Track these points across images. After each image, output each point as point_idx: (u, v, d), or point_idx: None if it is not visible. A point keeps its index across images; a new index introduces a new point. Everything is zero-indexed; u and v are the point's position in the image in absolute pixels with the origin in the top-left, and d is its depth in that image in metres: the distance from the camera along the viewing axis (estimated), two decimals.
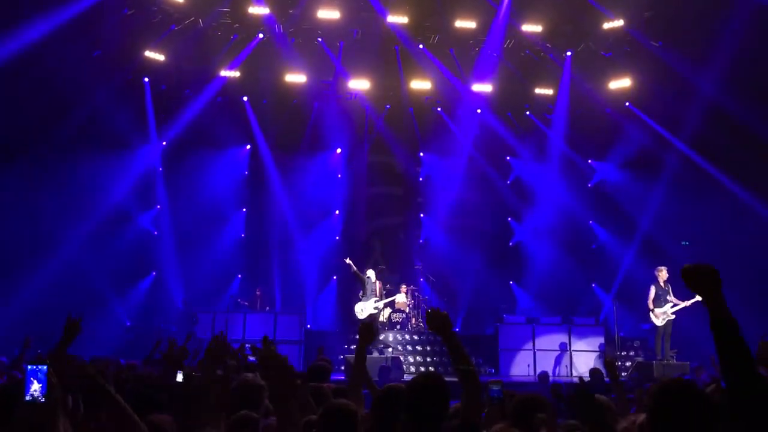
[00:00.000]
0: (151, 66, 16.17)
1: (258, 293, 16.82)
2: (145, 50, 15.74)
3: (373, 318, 13.37)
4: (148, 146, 17.34)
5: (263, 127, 18.50)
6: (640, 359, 14.35)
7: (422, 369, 14.33)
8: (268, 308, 16.46)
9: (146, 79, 16.77)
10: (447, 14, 15.94)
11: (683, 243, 16.94)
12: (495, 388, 3.90)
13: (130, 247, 16.63)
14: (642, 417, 2.99)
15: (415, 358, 14.61)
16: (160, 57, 15.95)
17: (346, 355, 14.08)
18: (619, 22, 15.43)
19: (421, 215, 19.78)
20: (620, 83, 16.88)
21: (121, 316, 16.37)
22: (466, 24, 15.97)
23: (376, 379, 11.20)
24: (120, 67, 15.66)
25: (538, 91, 17.92)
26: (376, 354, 13.08)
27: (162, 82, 17.00)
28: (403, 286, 16.16)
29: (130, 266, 16.74)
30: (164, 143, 17.66)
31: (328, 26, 16.09)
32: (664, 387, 2.39)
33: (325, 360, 6.82)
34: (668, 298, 13.12)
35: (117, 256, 16.04)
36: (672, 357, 13.19)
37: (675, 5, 14.51)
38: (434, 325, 3.41)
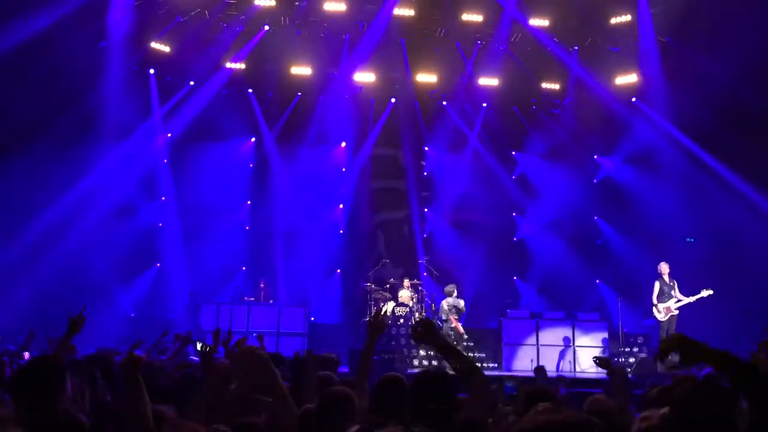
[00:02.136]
0: (157, 57, 16.20)
1: (262, 285, 16.82)
2: (151, 41, 15.77)
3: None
4: (153, 138, 17.35)
5: (268, 119, 18.51)
6: (643, 355, 14.33)
7: (425, 362, 14.34)
8: (272, 301, 16.48)
9: (152, 71, 16.79)
10: (453, 8, 15.92)
11: (688, 239, 16.90)
12: (509, 384, 3.85)
13: (134, 239, 16.67)
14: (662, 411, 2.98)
15: (418, 352, 14.61)
16: (166, 48, 15.98)
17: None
18: (626, 17, 15.37)
19: (426, 209, 19.75)
20: (627, 78, 16.83)
21: (126, 307, 16.43)
22: (472, 17, 15.94)
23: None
24: (126, 58, 15.66)
25: (544, 85, 17.89)
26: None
27: (167, 73, 17.02)
28: (407, 280, 16.16)
29: (135, 257, 16.77)
30: (169, 135, 17.68)
31: (334, 19, 16.08)
32: (694, 387, 2.38)
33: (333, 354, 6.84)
34: (672, 293, 13.11)
35: (122, 247, 16.09)
36: (676, 353, 13.15)
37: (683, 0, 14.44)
38: (418, 337, 3.37)
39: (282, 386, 3.46)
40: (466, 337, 14.14)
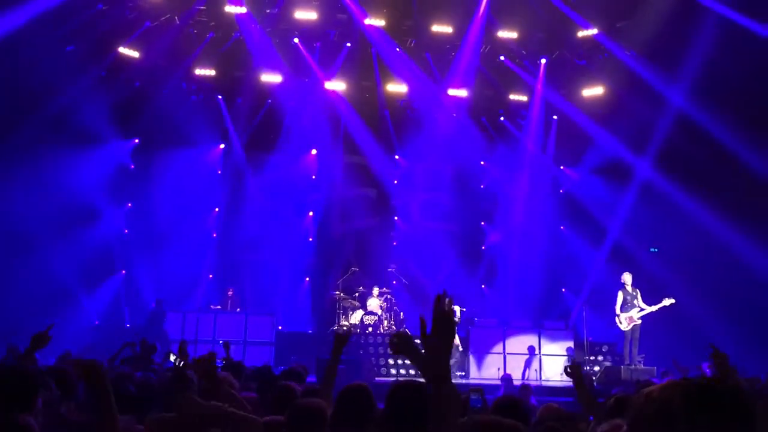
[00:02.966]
0: (126, 62, 16.01)
1: (229, 294, 16.69)
2: (119, 46, 15.59)
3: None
4: (120, 143, 17.12)
5: (237, 126, 18.42)
6: (608, 363, 14.53)
7: (393, 371, 14.37)
8: (239, 309, 16.34)
9: (120, 76, 16.59)
10: (424, 18, 16.04)
11: (652, 250, 17.23)
12: (474, 397, 3.81)
13: (100, 245, 16.40)
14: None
15: (386, 361, 14.63)
16: (134, 54, 15.82)
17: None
18: (592, 31, 15.65)
19: (395, 218, 19.82)
20: (593, 91, 17.12)
21: (90, 315, 16.14)
22: (442, 29, 16.08)
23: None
24: (94, 62, 15.46)
25: (512, 97, 18.12)
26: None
27: (136, 78, 16.81)
28: (376, 289, 16.19)
29: (100, 264, 16.51)
30: (137, 141, 17.48)
31: (305, 27, 16.10)
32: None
33: (301, 366, 6.84)
34: (635, 303, 13.32)
35: (86, 254, 15.78)
36: (639, 361, 13.39)
37: (646, 16, 14.74)
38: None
39: (234, 413, 3.39)
40: (461, 349, 14.23)
